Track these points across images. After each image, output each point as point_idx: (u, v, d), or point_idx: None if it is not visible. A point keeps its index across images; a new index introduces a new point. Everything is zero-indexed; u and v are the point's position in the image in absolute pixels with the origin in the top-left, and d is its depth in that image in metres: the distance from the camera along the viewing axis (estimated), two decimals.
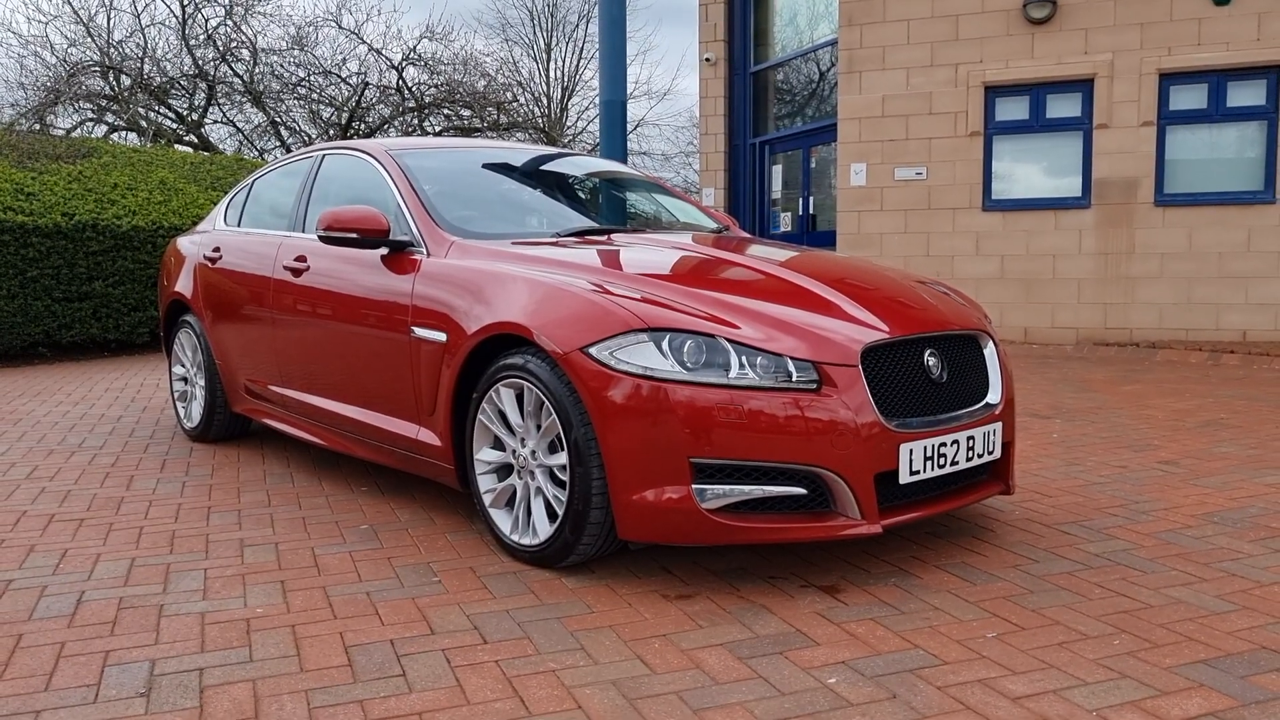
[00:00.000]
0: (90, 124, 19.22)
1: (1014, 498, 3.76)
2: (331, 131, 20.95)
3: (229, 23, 19.87)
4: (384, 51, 22.79)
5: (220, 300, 4.73)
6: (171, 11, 20.01)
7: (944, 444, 2.88)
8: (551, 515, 2.95)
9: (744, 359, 2.69)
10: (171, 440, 5.10)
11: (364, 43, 21.77)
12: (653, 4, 34.79)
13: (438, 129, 21.88)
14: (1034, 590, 2.76)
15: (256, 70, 20.31)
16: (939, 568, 2.96)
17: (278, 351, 4.24)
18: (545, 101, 27.15)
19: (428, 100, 21.54)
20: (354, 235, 3.55)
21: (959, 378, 3.06)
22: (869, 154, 10.12)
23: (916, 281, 3.48)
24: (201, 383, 4.96)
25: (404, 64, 21.33)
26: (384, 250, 3.63)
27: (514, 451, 3.06)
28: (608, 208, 4.65)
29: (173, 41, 19.90)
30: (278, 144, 21.27)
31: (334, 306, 3.82)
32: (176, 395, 5.30)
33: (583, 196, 4.62)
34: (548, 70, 27.46)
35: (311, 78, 20.85)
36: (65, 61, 18.79)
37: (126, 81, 19.02)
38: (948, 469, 2.91)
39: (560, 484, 2.91)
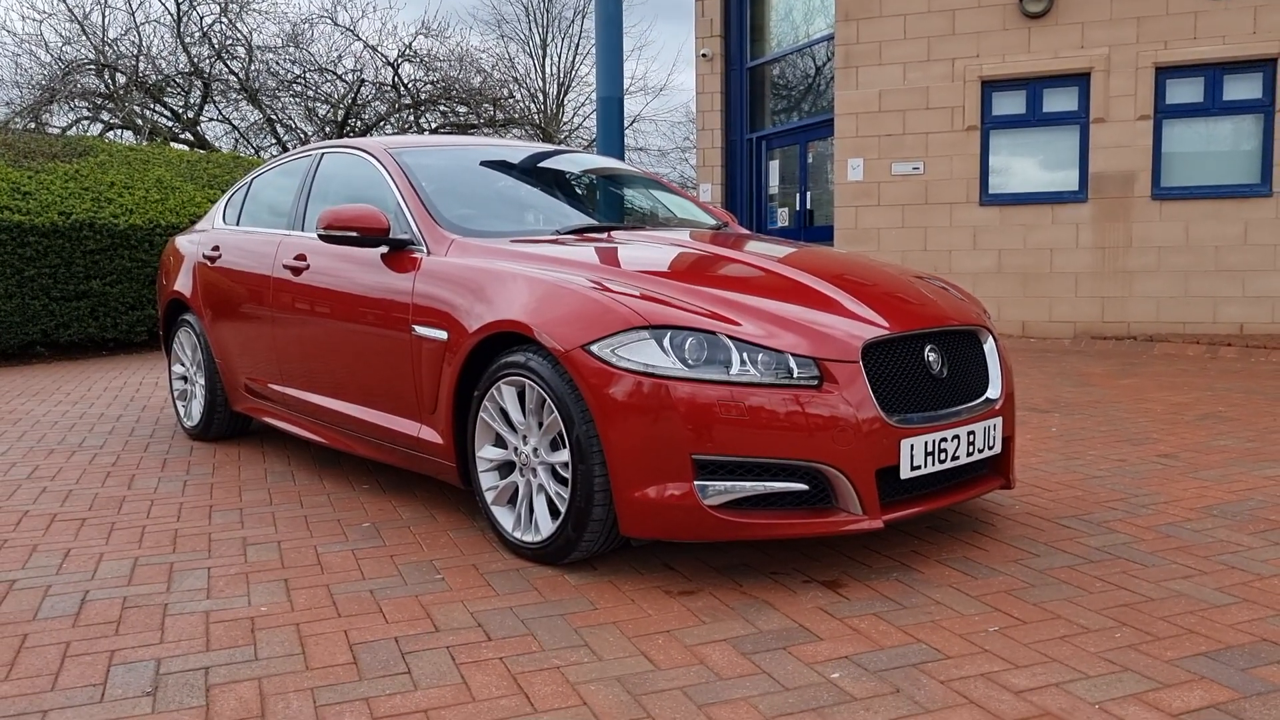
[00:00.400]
0: (86, 122, 19.20)
1: (1014, 492, 3.77)
2: (327, 129, 20.93)
3: (224, 20, 19.84)
4: (379, 48, 22.78)
5: (220, 299, 4.73)
6: (166, 9, 19.98)
7: (944, 439, 2.89)
8: (554, 512, 2.95)
9: (745, 356, 2.70)
10: (172, 439, 5.10)
11: (359, 40, 21.79)
12: None
13: (434, 126, 21.86)
14: (1035, 584, 2.77)
15: (252, 68, 20.29)
16: (940, 562, 2.98)
17: (278, 350, 4.24)
18: (541, 98, 27.14)
19: (424, 97, 21.53)
20: (354, 234, 3.55)
21: (959, 373, 3.07)
22: (866, 149, 10.13)
23: (915, 277, 3.48)
24: (201, 381, 4.96)
25: (400, 61, 21.32)
26: (384, 249, 3.63)
27: (516, 449, 3.06)
28: (606, 205, 4.65)
29: (168, 39, 19.87)
30: (274, 141, 21.25)
31: (334, 305, 3.82)
32: (176, 394, 5.30)
33: (581, 194, 4.62)
34: (543, 66, 27.45)
35: (307, 75, 20.84)
36: (60, 60, 18.76)
37: (122, 79, 18.99)
38: (948, 464, 2.92)
39: (562, 481, 2.92)
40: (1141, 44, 9.08)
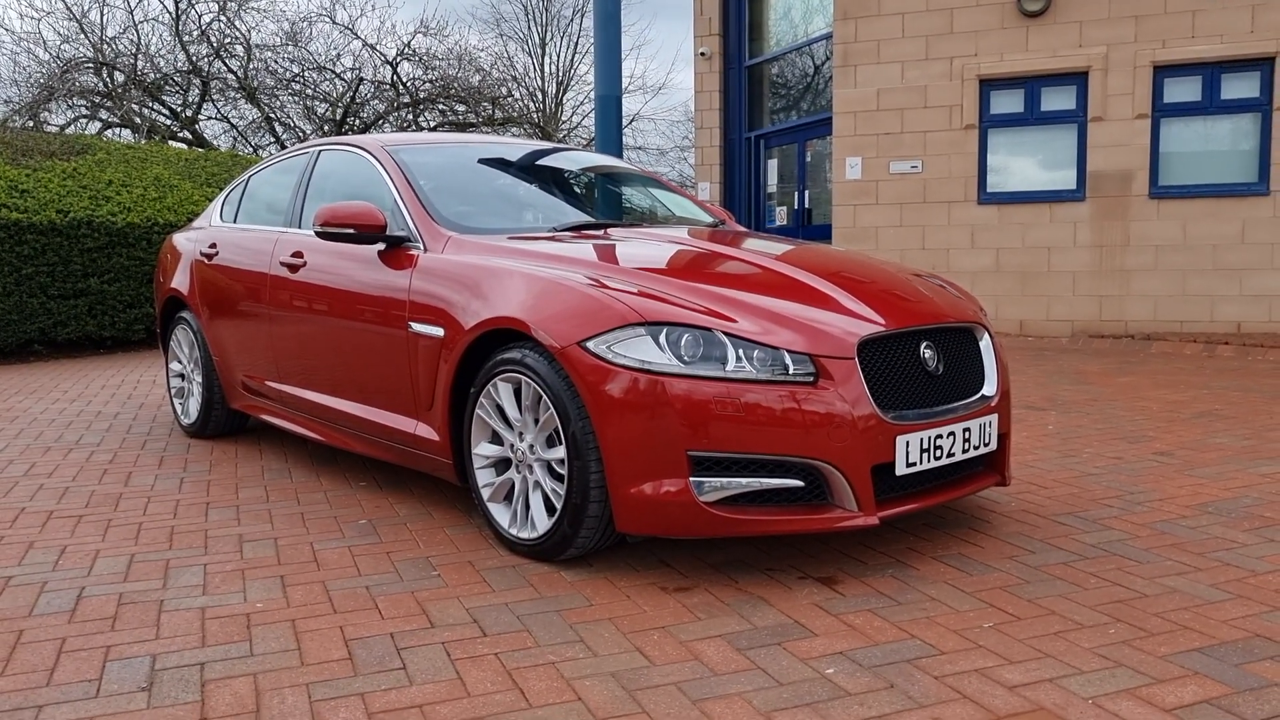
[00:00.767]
0: (84, 120, 19.20)
1: (1010, 489, 3.78)
2: (326, 127, 20.93)
3: (222, 18, 19.84)
4: (378, 47, 22.77)
5: (217, 296, 4.73)
6: (165, 7, 19.97)
7: (940, 436, 2.89)
8: (550, 509, 2.96)
9: (741, 352, 2.70)
10: (169, 437, 5.10)
11: (358, 38, 21.77)
12: None
13: (432, 124, 21.86)
14: (1030, 580, 2.78)
15: (250, 66, 20.28)
16: (936, 559, 2.98)
17: (275, 347, 4.24)
18: (540, 96, 27.14)
19: (422, 96, 21.53)
20: (350, 231, 3.55)
21: (955, 370, 3.08)
22: (864, 147, 10.13)
23: (912, 274, 3.49)
24: (198, 379, 4.96)
25: (398, 59, 21.31)
26: (381, 246, 3.64)
27: (512, 446, 3.07)
28: (604, 202, 4.65)
29: (166, 38, 19.87)
30: (272, 140, 21.24)
31: (331, 302, 3.82)
32: (173, 392, 5.30)
33: (579, 191, 4.62)
34: (542, 65, 27.44)
35: (306, 73, 20.83)
36: (59, 58, 18.75)
37: (120, 78, 18.98)
38: (944, 461, 2.92)
39: (558, 478, 2.92)
40: (1139, 43, 9.09)
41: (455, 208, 3.71)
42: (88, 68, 18.81)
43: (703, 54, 12.56)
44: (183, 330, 5.12)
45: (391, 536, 3.29)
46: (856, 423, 2.71)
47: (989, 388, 3.18)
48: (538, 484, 3.00)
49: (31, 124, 16.24)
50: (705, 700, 2.09)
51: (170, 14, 19.48)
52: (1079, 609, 2.56)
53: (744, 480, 2.69)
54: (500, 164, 4.35)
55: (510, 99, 24.20)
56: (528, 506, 3.03)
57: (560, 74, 27.51)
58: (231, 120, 21.44)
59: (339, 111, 20.92)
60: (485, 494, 3.16)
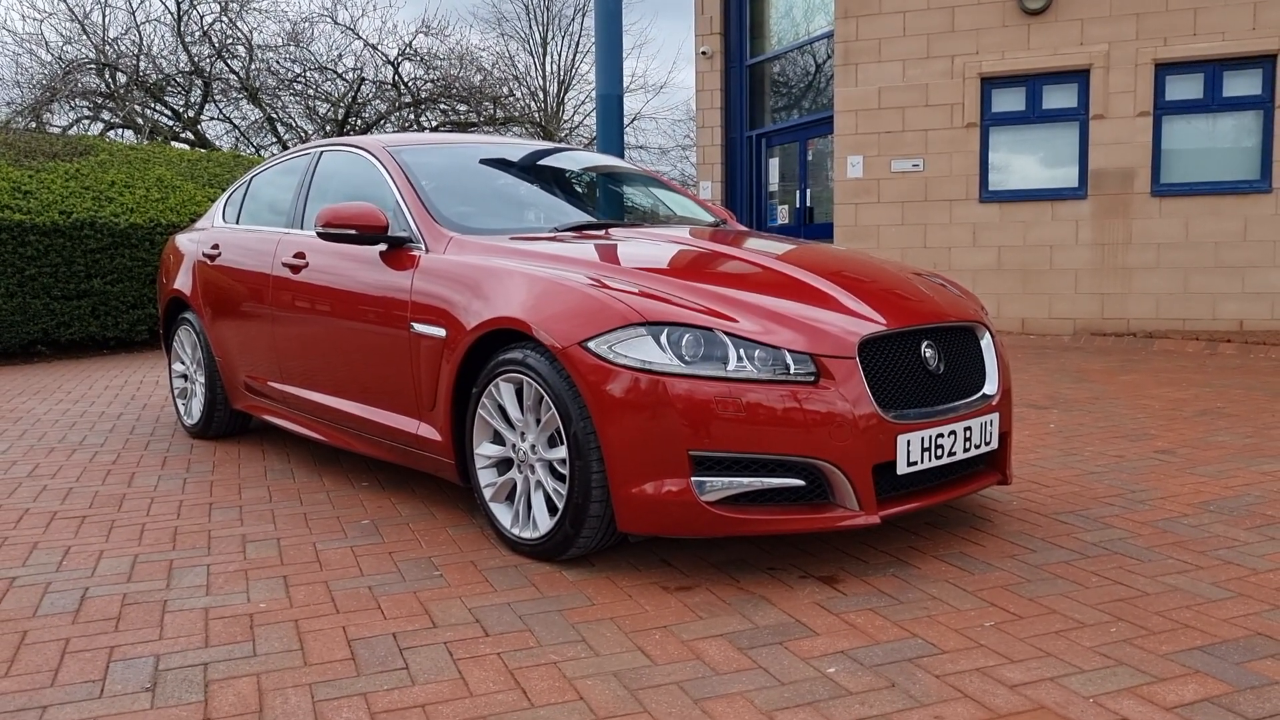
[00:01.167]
0: (86, 122, 19.22)
1: (1012, 488, 3.78)
2: (328, 127, 20.94)
3: (224, 19, 19.86)
4: (380, 47, 22.78)
5: (219, 297, 4.74)
6: (167, 8, 20.00)
7: (941, 435, 2.90)
8: (551, 509, 2.96)
9: (742, 352, 2.71)
10: (172, 437, 5.11)
11: (360, 38, 21.80)
12: None
13: (434, 124, 21.87)
14: (1031, 579, 2.78)
15: (252, 66, 20.30)
16: (937, 558, 2.98)
17: (277, 348, 4.25)
18: (542, 96, 27.14)
19: (424, 95, 21.54)
20: (352, 231, 3.56)
21: (956, 369, 3.08)
22: (866, 146, 10.13)
23: (913, 274, 3.49)
24: (201, 380, 4.97)
25: (400, 59, 21.32)
26: (382, 246, 3.64)
27: (514, 446, 3.07)
28: (605, 202, 4.66)
29: (168, 38, 19.88)
30: (274, 140, 21.27)
31: (333, 303, 3.83)
32: (176, 392, 5.31)
33: (580, 191, 4.63)
34: (544, 64, 27.45)
35: (307, 74, 20.85)
36: (61, 59, 18.77)
37: (122, 79, 19.00)
38: (945, 460, 2.92)
39: (560, 478, 2.93)
40: (1141, 40, 9.08)
41: (456, 208, 3.72)
42: (90, 69, 18.83)
43: (704, 53, 12.56)
44: (185, 331, 5.13)
45: (394, 536, 3.30)
46: (857, 422, 2.71)
47: (990, 386, 3.18)
48: (539, 484, 3.00)
49: (34, 125, 16.26)
50: (707, 699, 2.10)
51: (172, 15, 19.51)
52: (1080, 607, 2.56)
53: (745, 480, 2.70)
54: (501, 164, 4.36)
55: (512, 98, 24.20)
56: (530, 506, 3.03)
57: (562, 73, 27.52)
58: (234, 121, 21.47)
59: (341, 112, 20.94)
60: (487, 494, 3.17)
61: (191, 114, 20.55)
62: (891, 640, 2.39)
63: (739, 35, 12.53)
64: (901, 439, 2.79)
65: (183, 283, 5.10)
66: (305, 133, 21.09)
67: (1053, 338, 9.42)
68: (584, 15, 26.71)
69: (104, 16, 20.48)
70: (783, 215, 12.17)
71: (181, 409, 5.25)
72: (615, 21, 8.70)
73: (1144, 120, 9.13)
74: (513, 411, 3.05)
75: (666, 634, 2.45)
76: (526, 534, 3.02)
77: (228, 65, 20.19)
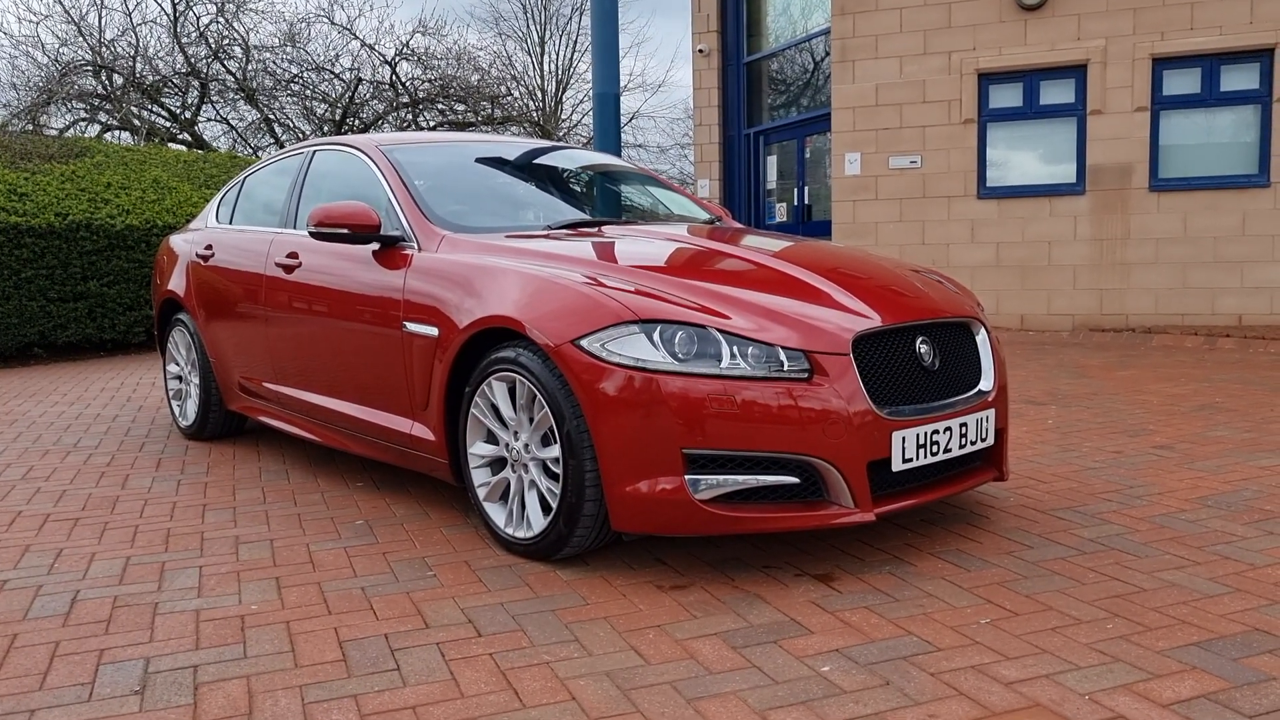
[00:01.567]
0: (83, 124, 19.20)
1: (1009, 484, 3.76)
2: (325, 128, 20.92)
3: (220, 20, 19.83)
4: (377, 47, 22.76)
5: (213, 298, 4.73)
6: (163, 9, 19.94)
7: (937, 431, 2.88)
8: (545, 508, 2.95)
9: (735, 349, 2.69)
10: (167, 439, 5.10)
11: (357, 38, 21.74)
12: None
13: (432, 124, 21.85)
14: (1028, 576, 2.77)
15: (249, 67, 20.28)
16: (933, 555, 2.97)
17: (271, 348, 4.23)
18: (540, 95, 27.11)
19: (421, 95, 21.52)
20: (345, 231, 3.54)
21: (951, 365, 3.06)
22: (863, 143, 10.11)
23: (910, 270, 3.47)
24: (196, 381, 4.95)
25: (397, 59, 21.30)
26: (375, 245, 3.62)
27: (507, 445, 3.06)
28: (600, 200, 4.64)
29: (164, 40, 19.86)
30: (271, 141, 21.24)
31: (326, 302, 3.81)
32: (171, 394, 5.30)
33: (575, 189, 4.61)
34: (541, 63, 27.41)
35: (304, 74, 20.83)
36: (57, 61, 18.75)
37: (119, 80, 18.98)
38: (941, 456, 2.91)
39: (554, 477, 2.91)
40: (1138, 35, 9.06)
41: (449, 207, 3.70)
42: (86, 71, 18.81)
43: (701, 51, 12.54)
44: (180, 332, 5.11)
45: (388, 537, 3.29)
46: (852, 419, 2.70)
47: (986, 383, 3.16)
48: (533, 483, 2.99)
49: (31, 127, 16.24)
50: (700, 699, 2.08)
51: (168, 16, 19.48)
52: (1077, 604, 2.55)
53: (740, 478, 2.68)
54: (495, 163, 4.34)
55: (509, 98, 24.18)
56: (523, 506, 3.02)
57: (559, 72, 27.48)
58: (230, 122, 21.44)
59: (338, 112, 20.92)
60: (481, 493, 3.16)
61: (188, 115, 20.53)
62: (887, 638, 2.37)
63: (736, 33, 12.51)
64: (896, 436, 2.78)
65: (177, 284, 5.09)
66: (302, 133, 21.07)
67: (1052, 334, 9.40)
68: (582, 14, 26.67)
69: (100, 18, 20.43)
70: (781, 213, 12.15)
71: (176, 410, 5.24)
72: (611, 21, 8.69)
73: (1141, 115, 9.11)
74: (506, 411, 3.03)
75: (660, 633, 2.43)
76: (520, 533, 3.01)
77: (224, 66, 20.16)
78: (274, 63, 20.62)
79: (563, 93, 27.48)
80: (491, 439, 3.14)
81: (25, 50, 19.93)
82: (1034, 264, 9.56)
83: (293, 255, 4.07)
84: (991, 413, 3.11)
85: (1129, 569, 2.80)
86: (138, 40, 19.27)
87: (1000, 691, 2.08)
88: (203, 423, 4.92)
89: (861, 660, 2.25)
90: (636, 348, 2.69)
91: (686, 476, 2.67)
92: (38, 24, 24.81)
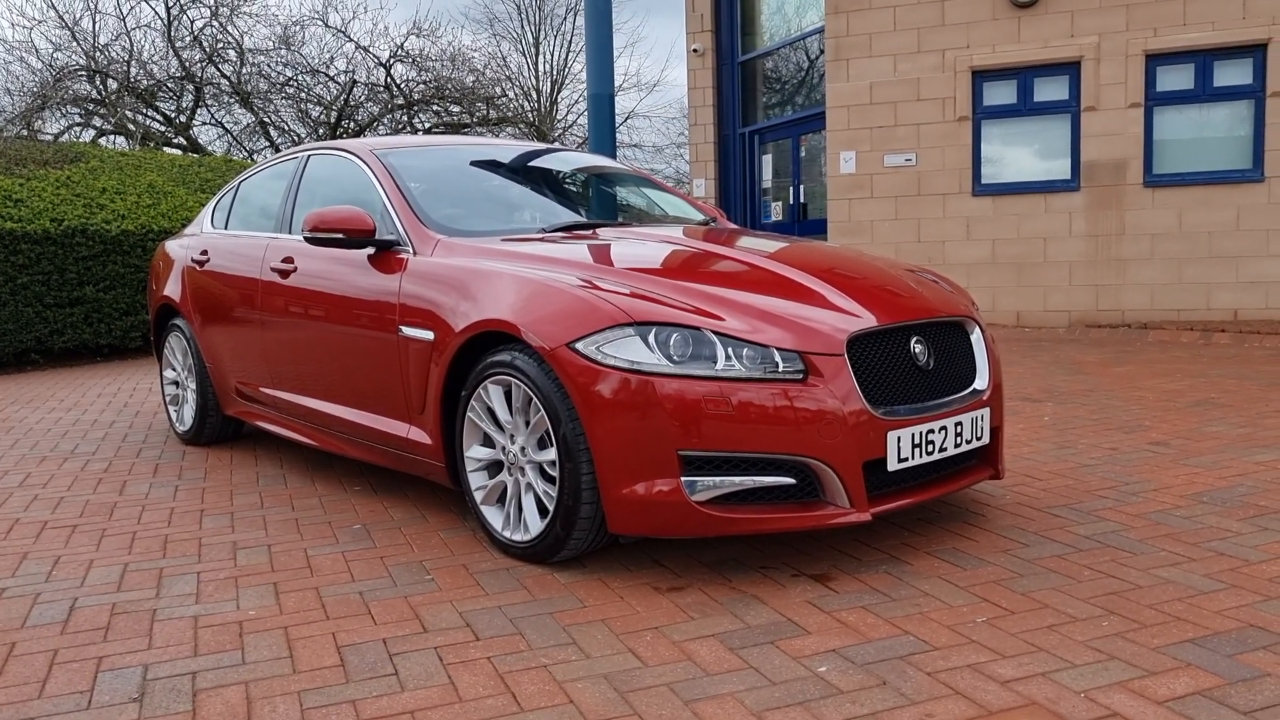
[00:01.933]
0: (78, 128, 19.19)
1: (1004, 482, 3.77)
2: (321, 130, 20.91)
3: (215, 24, 19.82)
4: (371, 49, 22.74)
5: (209, 303, 4.73)
6: (157, 14, 19.94)
7: (932, 431, 2.89)
8: (542, 511, 2.95)
9: (730, 350, 2.70)
10: (164, 444, 5.10)
11: (351, 41, 21.76)
12: None
13: (427, 126, 21.84)
14: (1024, 574, 2.77)
15: (244, 71, 20.26)
16: (929, 554, 2.98)
17: (267, 353, 4.24)
18: (535, 95, 27.10)
19: (416, 97, 21.51)
20: (339, 235, 3.54)
21: (946, 364, 3.07)
22: (858, 141, 10.12)
23: (904, 270, 3.48)
24: (193, 386, 4.95)
25: (392, 61, 21.29)
26: (370, 250, 3.63)
27: (504, 448, 3.06)
28: (595, 202, 4.65)
29: (159, 44, 19.84)
30: (267, 144, 21.23)
31: (322, 307, 3.82)
32: (168, 399, 5.30)
33: (570, 192, 4.61)
34: (536, 64, 27.39)
35: (299, 77, 20.82)
36: (51, 66, 18.73)
37: (113, 85, 18.97)
38: (936, 455, 2.92)
39: (550, 480, 2.92)
40: (1131, 31, 9.07)
41: (444, 210, 3.71)
42: (81, 75, 18.80)
43: (696, 50, 12.55)
44: (176, 337, 5.11)
45: (385, 541, 3.29)
46: (847, 419, 2.70)
47: (980, 381, 3.17)
48: (530, 486, 2.99)
49: (25, 133, 16.23)
50: (697, 701, 2.09)
51: (162, 20, 19.46)
52: (1072, 602, 2.56)
53: (736, 479, 2.69)
54: (490, 165, 4.34)
55: (505, 99, 24.18)
56: (520, 509, 3.02)
57: (555, 73, 27.47)
58: (226, 125, 21.42)
59: (333, 114, 20.90)
60: (478, 497, 3.16)
61: (183, 119, 20.51)
62: (883, 638, 2.38)
63: (730, 32, 12.52)
64: (892, 435, 2.79)
65: (172, 289, 5.09)
66: (298, 136, 21.06)
67: (1048, 330, 9.41)
68: (576, 14, 26.64)
69: (94, 23, 20.42)
70: (776, 212, 12.16)
71: (173, 416, 5.24)
72: (605, 21, 8.69)
73: (1135, 111, 9.12)
74: (502, 414, 3.03)
75: (658, 635, 2.44)
76: (518, 536, 3.01)
77: (219, 70, 20.15)
78: (268, 66, 20.62)
79: (558, 93, 27.47)
80: (488, 442, 3.14)
81: (19, 55, 19.93)
82: (1029, 261, 9.57)
83: (288, 260, 4.08)
84: (986, 411, 3.12)
85: (1125, 566, 2.81)
86: (132, 44, 19.26)
87: (996, 690, 2.09)
88: (199, 428, 4.92)
89: (858, 660, 2.26)
90: (632, 350, 2.69)
91: (683, 478, 2.67)
92: (31, 29, 24.79)
